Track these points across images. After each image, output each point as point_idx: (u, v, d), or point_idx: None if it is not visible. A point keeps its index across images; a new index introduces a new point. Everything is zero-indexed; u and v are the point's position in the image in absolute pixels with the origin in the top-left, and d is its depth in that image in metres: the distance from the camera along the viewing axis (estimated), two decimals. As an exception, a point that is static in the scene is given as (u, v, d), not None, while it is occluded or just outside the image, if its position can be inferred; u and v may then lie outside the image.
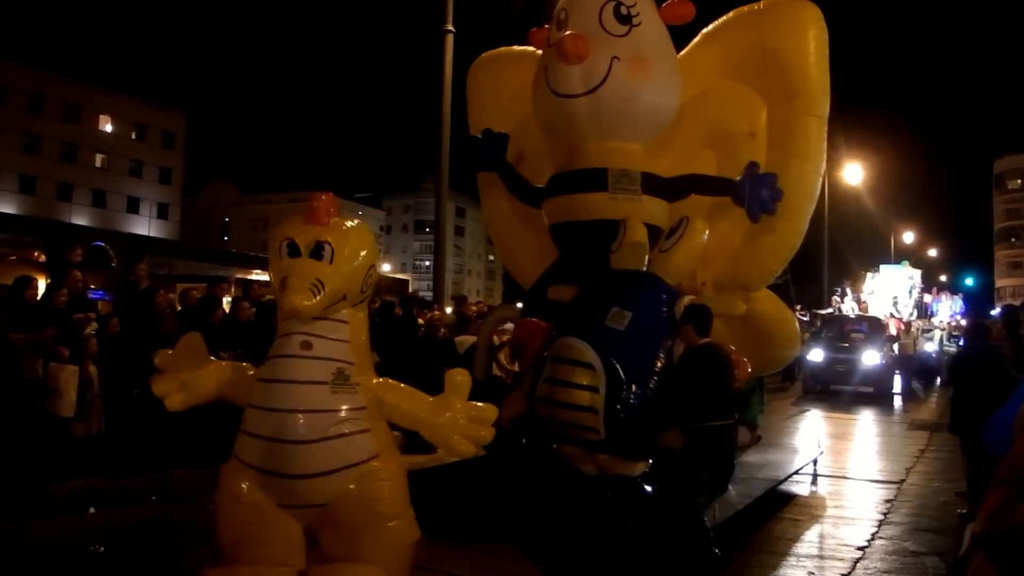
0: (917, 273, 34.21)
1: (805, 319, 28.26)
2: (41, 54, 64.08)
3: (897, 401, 23.63)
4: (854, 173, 43.38)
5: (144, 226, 69.67)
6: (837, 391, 24.04)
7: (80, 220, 61.87)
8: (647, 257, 7.53)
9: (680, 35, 8.53)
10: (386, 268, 71.66)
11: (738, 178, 7.78)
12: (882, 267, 34.60)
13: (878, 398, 22.79)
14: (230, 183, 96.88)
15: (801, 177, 7.97)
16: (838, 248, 44.41)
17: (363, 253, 5.01)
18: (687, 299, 7.26)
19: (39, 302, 9.69)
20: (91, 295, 13.68)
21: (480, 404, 4.93)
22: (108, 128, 71.10)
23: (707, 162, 8.27)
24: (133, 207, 72.36)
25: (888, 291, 31.81)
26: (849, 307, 30.98)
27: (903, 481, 11.66)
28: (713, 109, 8.39)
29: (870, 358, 23.56)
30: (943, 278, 52.04)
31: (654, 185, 7.94)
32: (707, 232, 7.67)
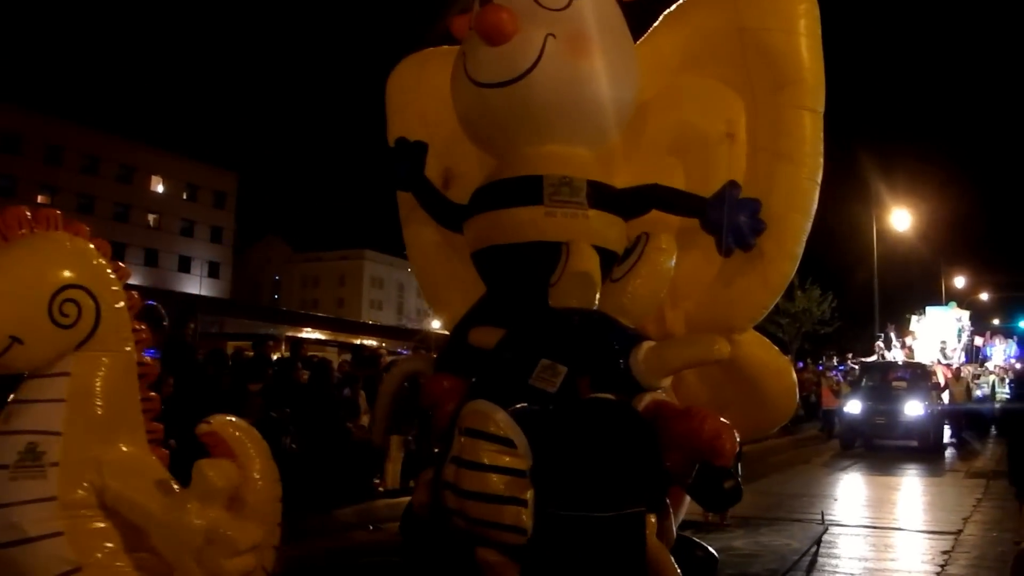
0: (965, 314, 31.56)
1: (855, 368, 26.22)
2: (96, 115, 65.33)
3: (948, 454, 21.29)
4: (902, 219, 41.32)
5: (195, 285, 70.35)
6: (880, 446, 21.60)
7: (133, 280, 61.51)
8: (597, 291, 5.65)
9: (642, 21, 6.86)
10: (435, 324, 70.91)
11: (711, 197, 6.02)
12: (928, 309, 31.96)
13: (924, 452, 20.39)
14: (281, 241, 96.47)
15: (793, 186, 6.12)
16: (888, 293, 42.34)
17: (27, 274, 3.66)
18: (646, 346, 5.36)
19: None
20: (144, 354, 13.86)
21: (234, 521, 3.35)
22: (160, 188, 72.30)
23: (676, 172, 6.46)
24: (185, 266, 73.21)
25: (935, 335, 29.28)
26: (895, 354, 28.49)
27: (960, 532, 10.87)
28: (681, 105, 6.61)
29: (913, 408, 21.12)
30: (996, 321, 49.23)
31: (605, 198, 6.09)
32: (675, 253, 5.86)
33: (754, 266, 6.14)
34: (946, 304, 34.33)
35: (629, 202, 6.21)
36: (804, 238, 6.22)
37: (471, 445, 5.06)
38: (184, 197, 74.04)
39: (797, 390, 6.90)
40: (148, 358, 4.44)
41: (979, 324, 36.00)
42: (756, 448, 16.69)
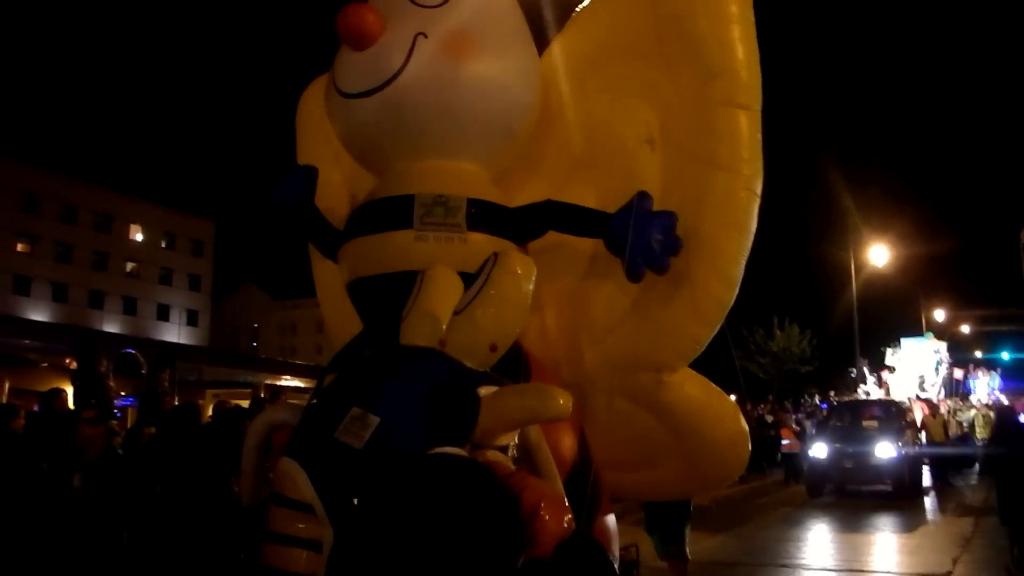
0: (942, 345, 30.35)
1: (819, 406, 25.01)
2: (74, 164, 64.97)
3: (929, 497, 19.97)
4: (880, 254, 40.61)
5: (174, 333, 69.67)
6: (854, 492, 20.18)
7: (111, 327, 62.55)
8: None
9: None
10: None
11: (617, 211, 4.97)
12: (903, 341, 30.56)
13: (900, 497, 18.96)
14: (259, 289, 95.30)
15: (727, 198, 5.04)
16: (869, 329, 41.42)
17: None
18: (485, 392, 4.22)
19: (67, 414, 9.50)
20: (121, 402, 15.67)
21: None
22: (138, 237, 71.82)
23: (590, 186, 5.42)
24: (163, 314, 72.56)
25: (912, 369, 28.02)
26: (869, 390, 27.27)
27: (950, 573, 10.60)
28: (591, 108, 5.55)
29: (885, 450, 19.51)
30: (978, 354, 48.29)
31: (489, 219, 4.98)
32: (533, 274, 4.69)
33: (681, 293, 5.06)
34: (922, 336, 33.01)
35: (521, 223, 5.14)
36: (743, 258, 5.11)
37: (274, 513, 4.18)
38: (162, 245, 73.57)
39: (747, 437, 5.75)
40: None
41: (960, 357, 34.90)
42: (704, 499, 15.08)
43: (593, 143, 5.53)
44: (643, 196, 4.89)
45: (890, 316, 49.85)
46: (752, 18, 5.17)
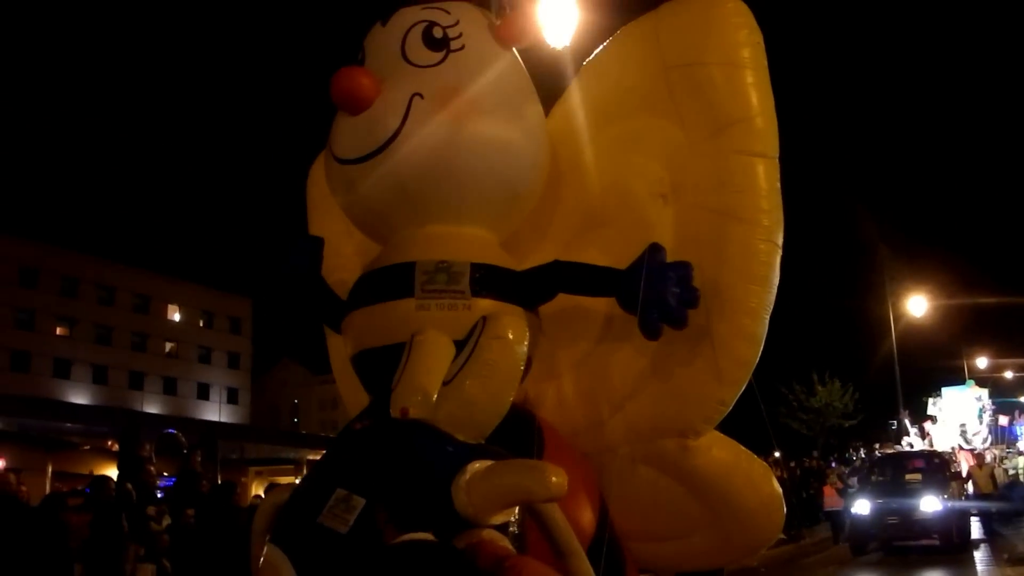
0: (984, 392, 29.57)
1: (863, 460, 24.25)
2: (110, 247, 65.76)
3: (978, 552, 19.11)
4: (919, 305, 39.91)
5: (215, 411, 69.73)
6: (901, 548, 19.28)
7: (151, 408, 62.99)
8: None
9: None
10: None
11: (629, 266, 4.69)
12: (944, 391, 29.88)
13: (949, 552, 18.15)
14: (298, 365, 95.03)
15: (746, 251, 4.74)
16: (910, 380, 40.61)
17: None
18: (473, 470, 3.92)
19: (115, 500, 9.69)
20: (164, 482, 14.72)
21: None
22: (176, 317, 72.31)
23: (600, 248, 5.16)
24: (204, 393, 72.70)
25: (954, 418, 27.22)
26: (912, 441, 26.50)
27: None
28: (602, 165, 5.31)
29: (929, 504, 18.69)
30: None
31: (495, 284, 4.72)
32: (525, 338, 4.35)
33: (703, 353, 4.75)
34: (963, 384, 32.16)
35: (528, 286, 4.89)
36: (766, 314, 4.81)
37: None
38: (200, 324, 74.01)
39: (781, 501, 5.41)
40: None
41: (1005, 402, 33.99)
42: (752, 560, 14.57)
43: (604, 201, 5.28)
44: (656, 248, 4.62)
45: (932, 366, 48.96)
46: (765, 63, 4.94)
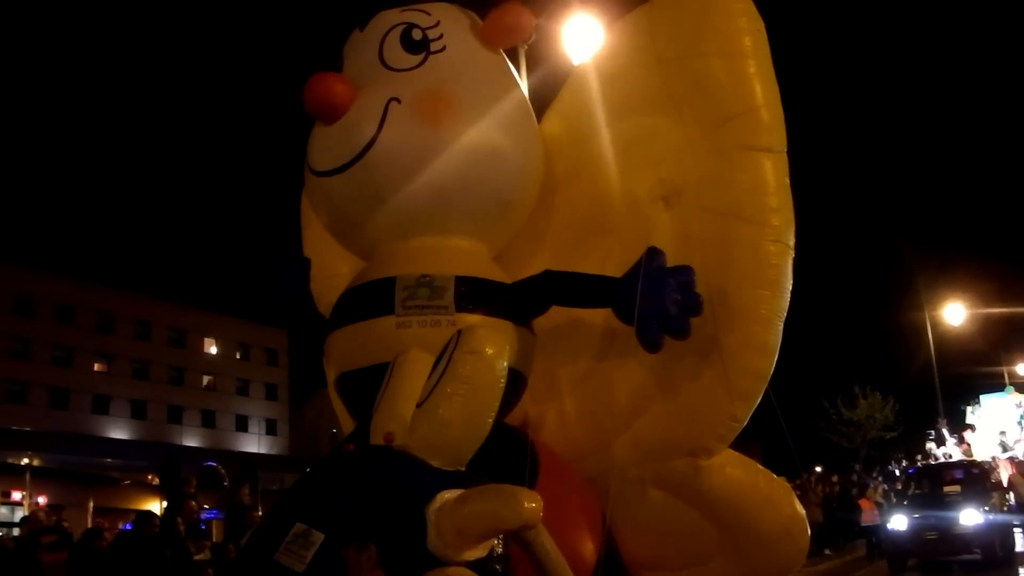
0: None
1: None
2: (146, 282, 65.93)
3: (1024, 568, 18.26)
4: (957, 313, 39.11)
5: (254, 443, 69.60)
6: (942, 563, 18.21)
7: (190, 441, 63.07)
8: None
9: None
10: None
11: (624, 274, 4.32)
12: (982, 398, 28.91)
13: (992, 567, 17.04)
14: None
15: (755, 254, 4.35)
16: (950, 388, 39.71)
17: None
18: (442, 500, 3.52)
19: (158, 535, 9.72)
20: (206, 515, 14.79)
21: None
22: (213, 350, 72.11)
23: (600, 257, 4.80)
24: (242, 425, 72.46)
25: (993, 426, 26.29)
26: (949, 451, 25.55)
27: None
28: (600, 169, 4.94)
29: (969, 517, 17.47)
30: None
31: (483, 298, 4.38)
32: (504, 352, 3.91)
33: (712, 366, 4.37)
34: (1003, 391, 31.11)
35: (519, 299, 4.53)
36: (779, 321, 4.39)
37: None
38: (237, 357, 73.89)
39: (804, 522, 4.96)
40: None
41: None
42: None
43: (603, 207, 4.94)
44: (654, 253, 4.24)
45: (971, 374, 48.01)
46: (767, 52, 4.57)
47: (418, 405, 3.80)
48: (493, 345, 3.84)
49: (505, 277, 4.58)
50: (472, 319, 4.23)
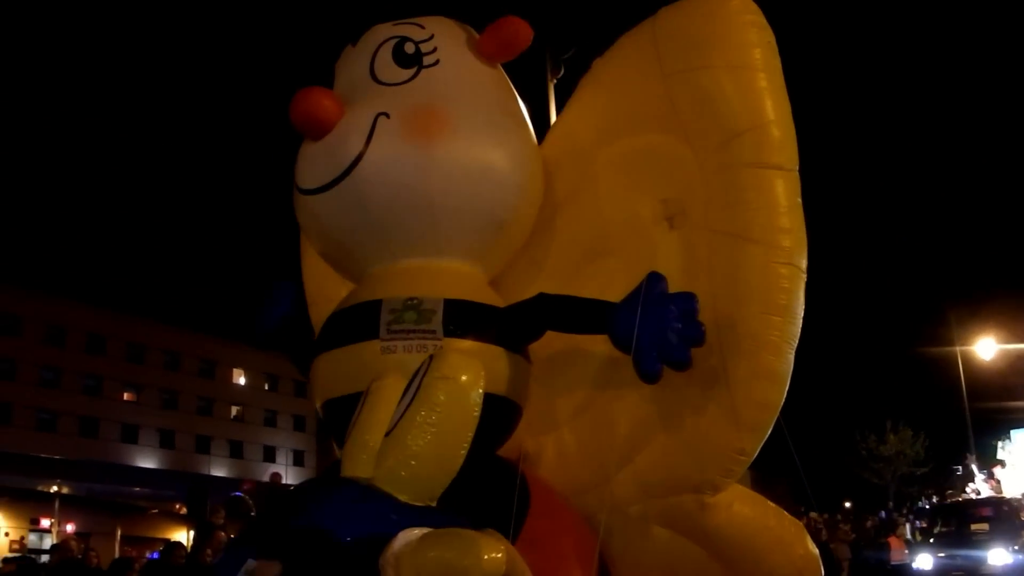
0: None
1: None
2: (175, 314, 66.49)
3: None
4: (988, 348, 38.47)
5: (281, 474, 69.48)
6: None
7: (218, 471, 63.34)
8: None
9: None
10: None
11: (623, 299, 4.05)
12: (1013, 433, 28.30)
13: None
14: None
15: (765, 277, 4.06)
16: (982, 425, 39.03)
17: None
18: (403, 540, 3.23)
19: (184, 565, 10.00)
20: None
21: None
22: (241, 380, 72.57)
23: (603, 281, 4.53)
24: (270, 456, 72.80)
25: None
26: (979, 487, 24.94)
27: None
28: (601, 189, 4.70)
29: (998, 557, 17.06)
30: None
31: (472, 322, 4.12)
32: (480, 378, 3.58)
33: (718, 397, 4.08)
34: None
35: (511, 324, 4.28)
36: (790, 348, 4.10)
37: None
38: (265, 388, 74.40)
39: (818, 563, 4.66)
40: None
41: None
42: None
43: (606, 229, 4.69)
44: (655, 278, 3.97)
45: (1003, 409, 47.24)
46: (778, 65, 4.32)
47: (386, 435, 3.54)
48: (468, 371, 3.55)
49: (499, 301, 4.33)
50: (462, 344, 3.98)
